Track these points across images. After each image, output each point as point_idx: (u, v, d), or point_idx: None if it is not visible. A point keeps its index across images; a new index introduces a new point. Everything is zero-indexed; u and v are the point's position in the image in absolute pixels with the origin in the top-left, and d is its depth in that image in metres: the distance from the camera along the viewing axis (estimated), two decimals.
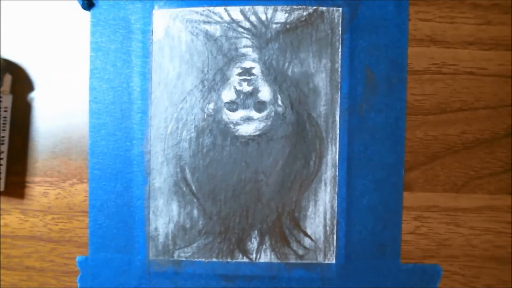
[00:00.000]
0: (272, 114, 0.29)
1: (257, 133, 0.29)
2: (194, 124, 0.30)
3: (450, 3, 0.29)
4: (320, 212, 0.29)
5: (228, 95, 0.29)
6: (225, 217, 0.30)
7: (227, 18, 0.29)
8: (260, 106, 0.29)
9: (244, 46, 0.29)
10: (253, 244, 0.30)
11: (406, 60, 0.29)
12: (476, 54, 0.29)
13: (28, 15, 0.31)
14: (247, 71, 0.29)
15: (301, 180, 0.29)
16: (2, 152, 0.30)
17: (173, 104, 0.30)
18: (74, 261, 0.30)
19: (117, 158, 0.30)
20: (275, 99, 0.29)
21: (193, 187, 0.30)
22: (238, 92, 0.29)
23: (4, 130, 0.30)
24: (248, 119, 0.29)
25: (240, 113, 0.29)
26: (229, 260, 0.30)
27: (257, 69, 0.29)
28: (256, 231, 0.30)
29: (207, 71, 0.29)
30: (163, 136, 0.30)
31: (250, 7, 0.29)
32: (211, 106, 0.30)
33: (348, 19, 0.29)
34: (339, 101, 0.29)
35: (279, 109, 0.29)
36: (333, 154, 0.29)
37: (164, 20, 0.30)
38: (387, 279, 0.29)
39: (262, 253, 0.30)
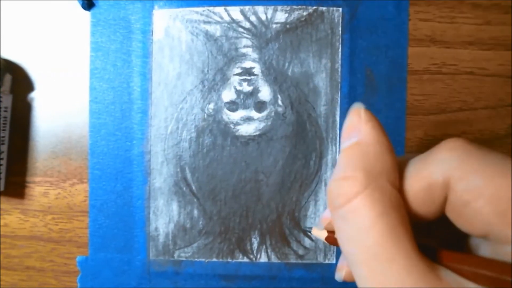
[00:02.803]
0: (272, 114, 0.29)
1: (257, 133, 0.29)
2: (194, 124, 0.30)
3: (450, 3, 0.29)
4: (320, 212, 0.29)
5: (228, 95, 0.29)
6: (225, 217, 0.30)
7: (227, 18, 0.29)
8: (260, 106, 0.29)
9: (244, 46, 0.29)
10: (253, 244, 0.30)
11: (406, 60, 0.29)
12: (476, 54, 0.29)
13: (28, 15, 0.31)
14: (247, 71, 0.29)
15: (301, 180, 0.29)
16: (2, 152, 0.30)
17: (173, 104, 0.30)
18: (74, 261, 0.30)
19: (117, 158, 0.30)
20: (275, 99, 0.29)
21: (193, 187, 0.30)
22: (238, 92, 0.29)
23: (4, 130, 0.30)
24: (248, 119, 0.29)
25: (240, 113, 0.29)
26: (229, 260, 0.30)
27: (257, 69, 0.29)
28: (256, 231, 0.30)
29: (207, 71, 0.29)
30: (163, 136, 0.30)
31: (250, 7, 0.29)
32: (211, 106, 0.30)
33: (348, 19, 0.29)
34: (339, 101, 0.29)
35: (279, 109, 0.29)
36: (333, 154, 0.29)
37: (164, 20, 0.30)
38: None
39: (262, 253, 0.30)
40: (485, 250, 0.13)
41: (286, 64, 0.29)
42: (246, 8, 0.29)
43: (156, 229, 0.30)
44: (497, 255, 0.12)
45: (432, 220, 0.14)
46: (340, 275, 0.17)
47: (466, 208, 0.12)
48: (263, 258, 0.30)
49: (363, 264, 0.12)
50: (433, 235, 0.15)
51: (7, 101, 0.30)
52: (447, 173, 0.12)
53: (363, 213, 0.12)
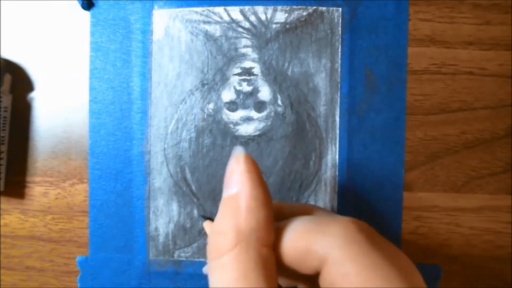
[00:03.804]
0: (272, 114, 0.29)
1: (257, 133, 0.29)
2: (194, 124, 0.30)
3: (450, 3, 0.29)
4: None
5: (228, 95, 0.29)
6: None
7: (226, 18, 0.29)
8: (260, 106, 0.29)
9: (244, 46, 0.29)
10: None
11: (405, 60, 0.29)
12: (476, 54, 0.29)
13: (28, 15, 0.31)
14: (247, 71, 0.29)
15: (301, 180, 0.29)
16: (2, 152, 0.30)
17: (173, 104, 0.30)
18: (74, 261, 0.30)
19: (117, 158, 0.30)
20: (275, 99, 0.29)
21: (193, 187, 0.30)
22: (238, 92, 0.29)
23: (4, 130, 0.30)
24: (248, 119, 0.29)
25: (240, 113, 0.29)
26: None
27: (257, 69, 0.29)
28: None
29: (207, 71, 0.29)
30: (163, 136, 0.30)
31: (250, 7, 0.29)
32: (211, 106, 0.30)
33: (347, 19, 0.29)
34: (338, 101, 0.29)
35: (279, 109, 0.29)
36: (333, 154, 0.29)
37: (163, 20, 0.30)
38: None
39: None
40: None
41: (286, 64, 0.29)
42: (246, 8, 0.29)
43: (156, 229, 0.30)
44: None
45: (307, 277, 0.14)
46: None
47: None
48: None
49: None
50: None
51: (7, 101, 0.30)
52: (329, 250, 0.13)
53: (229, 271, 0.13)
